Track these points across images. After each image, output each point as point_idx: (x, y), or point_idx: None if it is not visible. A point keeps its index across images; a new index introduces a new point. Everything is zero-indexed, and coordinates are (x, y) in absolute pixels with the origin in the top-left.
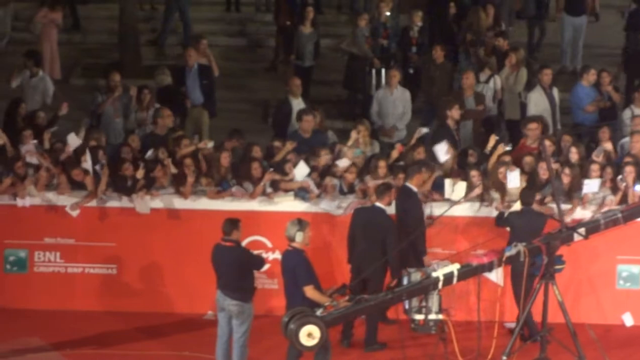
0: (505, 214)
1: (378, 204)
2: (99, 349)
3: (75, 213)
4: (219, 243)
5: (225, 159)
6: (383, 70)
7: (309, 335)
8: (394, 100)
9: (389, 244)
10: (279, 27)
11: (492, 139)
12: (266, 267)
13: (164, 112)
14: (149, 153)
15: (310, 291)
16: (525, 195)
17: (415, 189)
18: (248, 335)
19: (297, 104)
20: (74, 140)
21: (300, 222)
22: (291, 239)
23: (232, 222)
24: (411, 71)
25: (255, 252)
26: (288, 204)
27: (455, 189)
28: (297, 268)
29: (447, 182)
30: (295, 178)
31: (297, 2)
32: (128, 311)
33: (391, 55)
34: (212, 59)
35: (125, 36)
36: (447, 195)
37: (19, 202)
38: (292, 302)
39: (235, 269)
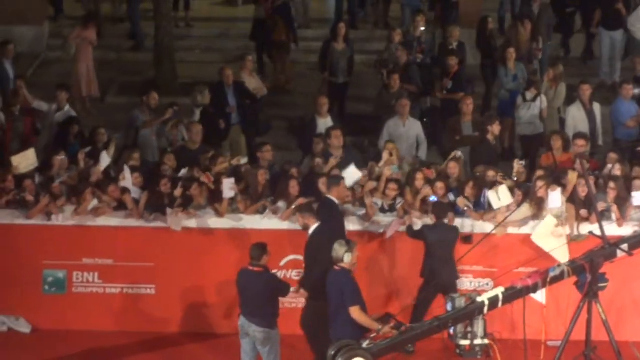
0: (419, 227)
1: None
2: None
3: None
4: (246, 268)
5: (262, 176)
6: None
7: None
8: (407, 132)
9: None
10: (275, 43)
11: (517, 165)
12: None
13: (194, 127)
14: (183, 172)
15: (356, 312)
16: (439, 208)
17: (335, 200)
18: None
19: (324, 123)
20: (104, 160)
21: (349, 242)
22: (339, 260)
23: (261, 247)
24: (450, 87)
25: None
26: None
27: (501, 196)
28: (345, 288)
29: (490, 193)
30: (346, 183)
31: (292, 18)
32: (167, 332)
33: (428, 70)
34: (258, 79)
35: (161, 54)
36: (495, 205)
37: (54, 218)
38: (336, 323)
39: (263, 295)
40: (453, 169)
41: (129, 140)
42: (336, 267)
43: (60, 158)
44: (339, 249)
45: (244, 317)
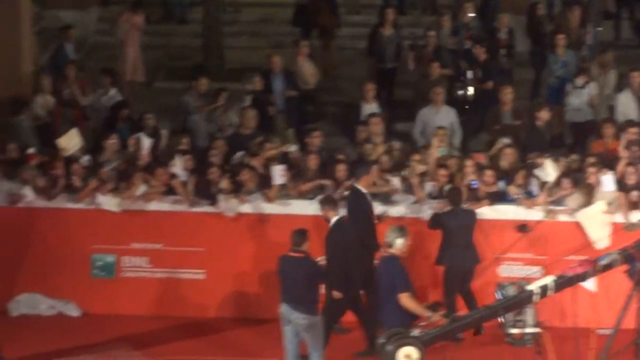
0: (437, 216)
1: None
2: (187, 355)
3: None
4: (287, 254)
5: (312, 160)
6: (468, 72)
7: (407, 357)
8: (440, 120)
9: None
10: (320, 28)
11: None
12: None
13: (247, 112)
14: (238, 155)
15: (405, 298)
16: (453, 194)
17: (363, 189)
18: (324, 347)
19: (369, 108)
20: (146, 143)
21: (402, 229)
22: (390, 245)
23: (302, 233)
24: (479, 76)
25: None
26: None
27: (548, 170)
28: (394, 275)
29: (537, 170)
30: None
31: (337, 3)
32: (216, 317)
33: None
34: (312, 64)
35: (209, 39)
36: (547, 178)
37: (100, 198)
38: (385, 310)
39: (305, 281)
40: (509, 155)
41: (179, 125)
42: (386, 254)
43: (112, 142)
44: (390, 235)
45: (285, 304)
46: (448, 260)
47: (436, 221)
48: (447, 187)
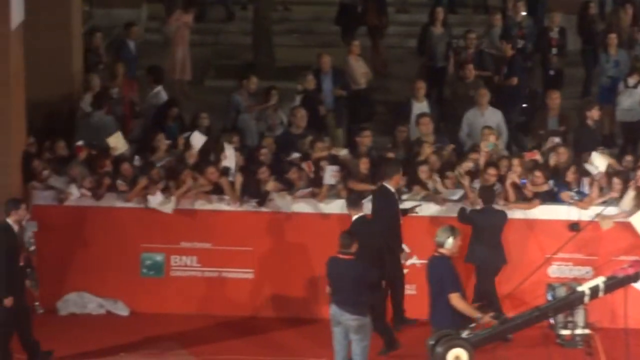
0: (467, 212)
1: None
2: (236, 354)
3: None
4: (336, 256)
5: (364, 164)
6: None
7: (456, 358)
8: (485, 121)
9: None
10: (369, 28)
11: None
12: (404, 272)
13: (298, 112)
14: (295, 155)
15: (455, 299)
16: (486, 193)
17: (392, 188)
18: (368, 349)
19: (419, 107)
20: (197, 140)
21: (452, 229)
22: (440, 245)
23: (351, 235)
24: (551, 73)
25: None
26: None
27: (596, 162)
28: (444, 275)
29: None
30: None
31: (385, 2)
32: (263, 316)
33: (528, 56)
34: (363, 64)
35: (259, 37)
36: (598, 169)
37: (150, 199)
38: (435, 310)
39: (355, 283)
40: (562, 154)
41: (228, 123)
42: (436, 253)
43: (162, 141)
44: (441, 235)
45: (335, 306)
46: (478, 259)
47: (464, 216)
48: (496, 187)
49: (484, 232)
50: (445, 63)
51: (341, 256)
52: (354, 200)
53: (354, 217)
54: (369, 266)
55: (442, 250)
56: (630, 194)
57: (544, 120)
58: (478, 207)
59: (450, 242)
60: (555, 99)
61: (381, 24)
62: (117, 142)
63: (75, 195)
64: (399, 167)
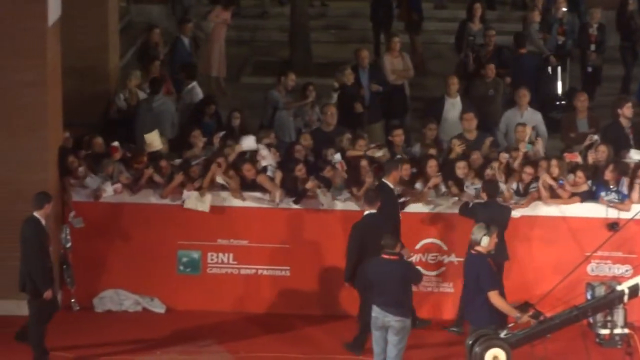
0: (470, 205)
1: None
2: (272, 352)
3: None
4: (381, 257)
5: (406, 171)
6: (559, 69)
7: (494, 358)
8: (524, 122)
9: None
10: (405, 23)
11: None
12: (441, 270)
13: (329, 109)
14: (337, 157)
15: (494, 297)
16: (490, 187)
17: (391, 185)
18: (403, 351)
19: (452, 103)
20: (248, 144)
21: (488, 227)
22: (476, 243)
23: (395, 235)
24: (589, 69)
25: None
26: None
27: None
28: (481, 273)
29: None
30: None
31: None
32: (301, 313)
33: (567, 53)
34: (408, 59)
35: (296, 33)
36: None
37: (185, 200)
38: (473, 308)
39: (402, 283)
40: (602, 152)
41: (266, 120)
42: (472, 251)
43: (202, 139)
44: (477, 232)
45: (378, 308)
46: None
47: (466, 209)
48: (533, 186)
49: None
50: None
51: (386, 257)
52: (370, 197)
53: (365, 213)
54: (413, 266)
55: (478, 248)
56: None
57: (573, 122)
58: (481, 200)
59: (485, 240)
60: (583, 100)
61: (416, 21)
62: (154, 139)
63: (109, 193)
64: (398, 163)
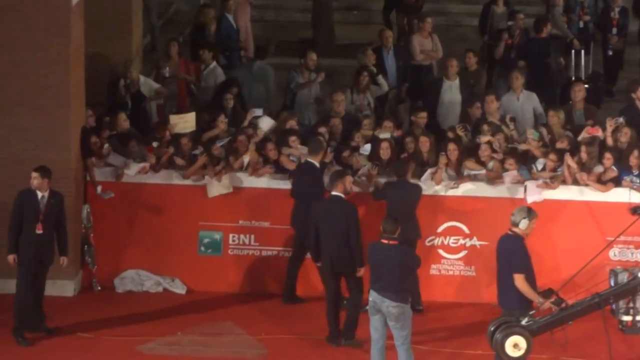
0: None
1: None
2: (292, 333)
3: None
4: (380, 242)
5: (424, 144)
6: (583, 52)
7: (515, 345)
8: (521, 105)
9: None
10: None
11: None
12: (463, 253)
13: (338, 96)
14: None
15: (520, 280)
16: (399, 167)
17: (317, 164)
18: (410, 337)
19: (449, 85)
20: (266, 123)
21: (530, 211)
22: (515, 224)
23: (396, 220)
24: (610, 53)
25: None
26: (486, 190)
27: None
28: (513, 254)
29: None
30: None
31: None
32: (321, 296)
33: (590, 36)
34: (437, 40)
35: (319, 14)
36: None
37: (208, 187)
38: (503, 289)
39: (401, 269)
40: (625, 134)
41: (288, 100)
42: (509, 232)
43: (222, 119)
44: (517, 214)
45: (375, 293)
46: None
47: (377, 192)
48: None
49: (399, 205)
50: None
51: (385, 241)
52: (333, 177)
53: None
54: (412, 251)
55: (515, 230)
56: None
57: (570, 115)
58: (392, 180)
59: (525, 222)
60: (578, 91)
61: (417, 4)
62: (179, 122)
63: (133, 172)
64: (323, 143)
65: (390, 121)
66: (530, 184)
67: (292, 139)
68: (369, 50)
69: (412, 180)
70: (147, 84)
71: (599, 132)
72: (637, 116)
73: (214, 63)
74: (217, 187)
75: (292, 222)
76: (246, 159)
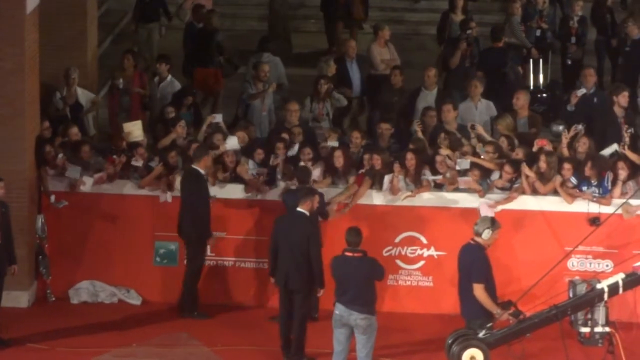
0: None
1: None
2: (249, 344)
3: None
4: (344, 255)
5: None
6: (541, 61)
7: (472, 358)
8: (479, 114)
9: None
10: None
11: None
12: (420, 264)
13: (291, 105)
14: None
15: (478, 290)
16: (301, 173)
17: (202, 171)
18: (373, 349)
19: (426, 95)
20: (231, 144)
21: (494, 221)
22: (477, 234)
23: (359, 232)
24: (569, 62)
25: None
26: (447, 200)
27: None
28: (474, 264)
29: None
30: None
31: None
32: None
33: (549, 45)
34: (393, 49)
35: (275, 23)
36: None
37: (162, 196)
38: (465, 298)
39: (366, 281)
40: (583, 144)
41: (240, 112)
42: (471, 241)
43: (180, 128)
44: (481, 224)
45: (342, 306)
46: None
47: (282, 196)
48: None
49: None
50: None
51: (349, 254)
52: (302, 193)
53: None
54: (377, 263)
55: (477, 239)
56: None
57: (514, 122)
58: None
59: (488, 233)
60: (519, 99)
61: (362, 17)
62: (133, 130)
63: (89, 185)
64: (207, 149)
65: (335, 132)
66: (482, 205)
67: (258, 152)
68: (330, 60)
69: (320, 189)
70: (85, 95)
71: (547, 144)
72: (616, 124)
73: (170, 76)
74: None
75: None
76: None
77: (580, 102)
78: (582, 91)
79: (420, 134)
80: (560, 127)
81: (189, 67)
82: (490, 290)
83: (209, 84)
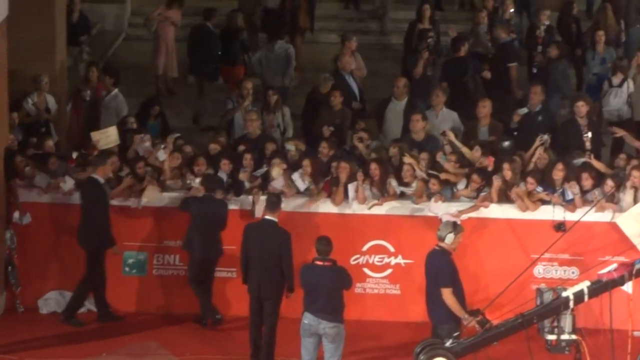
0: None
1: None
2: (218, 354)
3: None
4: (314, 264)
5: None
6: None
7: None
8: (439, 123)
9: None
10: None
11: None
12: (388, 272)
13: (251, 115)
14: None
15: (446, 294)
16: (208, 181)
17: (101, 179)
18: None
19: (395, 104)
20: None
21: (455, 225)
22: (441, 239)
23: (329, 241)
24: (535, 70)
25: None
26: (414, 208)
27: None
28: (440, 268)
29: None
30: None
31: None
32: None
33: (516, 54)
34: (360, 59)
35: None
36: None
37: (132, 202)
38: (433, 304)
39: (335, 290)
40: (542, 159)
41: (224, 123)
42: (436, 247)
43: (146, 138)
44: (443, 229)
45: (311, 315)
46: (189, 246)
47: (183, 204)
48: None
49: (202, 220)
50: None
51: (320, 263)
52: (271, 201)
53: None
54: (346, 272)
55: (442, 245)
56: (629, 194)
57: (475, 130)
58: (199, 194)
59: (451, 237)
60: (483, 107)
61: (307, 26)
62: (101, 138)
63: (69, 184)
64: (106, 157)
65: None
66: (445, 216)
67: (224, 162)
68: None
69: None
70: (51, 102)
71: (490, 164)
72: (578, 131)
73: (116, 90)
74: (151, 195)
75: None
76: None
77: (523, 121)
78: (524, 110)
79: (357, 143)
80: (506, 143)
81: (194, 67)
82: (459, 294)
83: (235, 82)
